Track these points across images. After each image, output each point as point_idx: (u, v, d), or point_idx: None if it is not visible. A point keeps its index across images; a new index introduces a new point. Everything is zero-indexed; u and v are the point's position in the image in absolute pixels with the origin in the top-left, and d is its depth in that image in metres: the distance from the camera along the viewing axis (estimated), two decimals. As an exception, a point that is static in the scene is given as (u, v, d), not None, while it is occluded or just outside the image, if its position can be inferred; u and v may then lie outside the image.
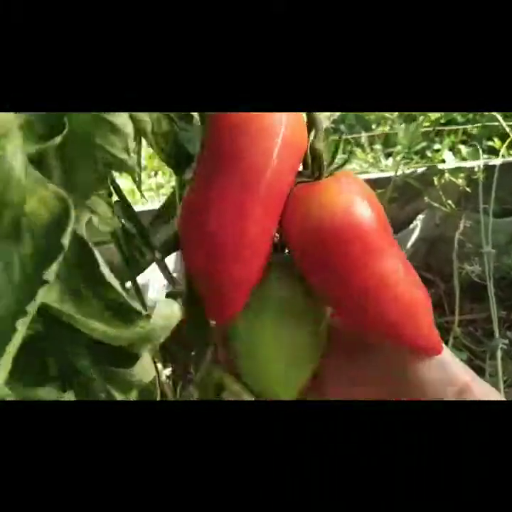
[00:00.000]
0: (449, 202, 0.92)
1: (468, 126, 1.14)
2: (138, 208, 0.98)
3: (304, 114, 0.31)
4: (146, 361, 0.22)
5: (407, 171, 0.89)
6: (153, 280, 0.76)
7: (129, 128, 0.23)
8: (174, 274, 0.37)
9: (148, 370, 0.22)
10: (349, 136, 1.08)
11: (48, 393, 0.19)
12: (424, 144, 1.07)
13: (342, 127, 1.13)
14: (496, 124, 0.97)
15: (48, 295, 0.16)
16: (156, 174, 1.18)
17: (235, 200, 0.28)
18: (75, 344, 0.20)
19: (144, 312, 0.20)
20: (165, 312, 0.20)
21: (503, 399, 0.30)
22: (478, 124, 1.12)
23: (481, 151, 0.92)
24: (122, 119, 0.22)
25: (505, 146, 0.94)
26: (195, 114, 0.36)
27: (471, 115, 1.15)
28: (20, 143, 0.18)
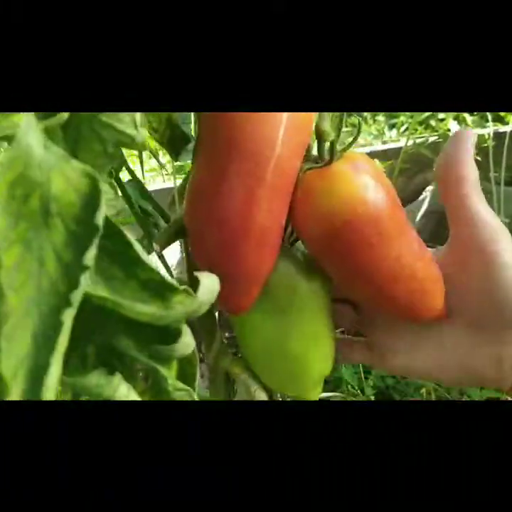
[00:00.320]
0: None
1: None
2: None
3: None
4: (187, 334, 0.21)
5: (419, 141, 0.87)
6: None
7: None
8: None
9: (189, 342, 0.21)
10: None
11: (97, 379, 0.17)
12: (428, 113, 1.05)
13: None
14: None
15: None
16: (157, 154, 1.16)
17: (242, 185, 0.26)
18: (113, 327, 0.19)
19: (180, 287, 0.18)
20: (208, 285, 0.18)
21: None
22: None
23: (490, 118, 0.90)
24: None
25: (513, 112, 0.92)
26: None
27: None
28: (33, 118, 0.16)
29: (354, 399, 0.78)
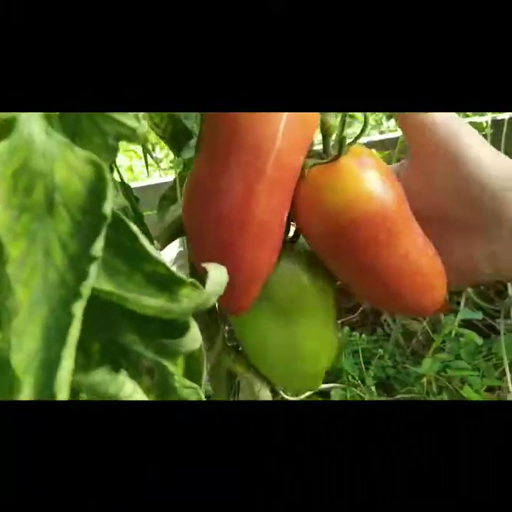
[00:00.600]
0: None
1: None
2: (139, 183, 0.97)
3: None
4: (194, 329, 0.20)
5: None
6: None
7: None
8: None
9: (196, 337, 0.21)
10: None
11: (101, 377, 0.17)
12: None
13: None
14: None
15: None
16: (154, 149, 1.15)
17: (241, 179, 0.26)
18: (118, 322, 0.18)
19: (187, 280, 0.18)
20: (216, 277, 0.18)
21: None
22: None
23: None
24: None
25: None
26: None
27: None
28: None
29: (355, 389, 0.78)
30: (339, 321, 0.37)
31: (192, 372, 0.25)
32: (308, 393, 0.56)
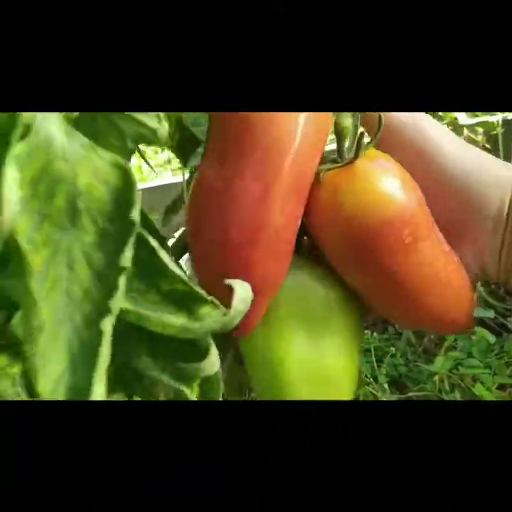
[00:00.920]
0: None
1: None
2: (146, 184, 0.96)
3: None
4: (214, 352, 0.19)
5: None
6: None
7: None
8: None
9: (215, 361, 0.20)
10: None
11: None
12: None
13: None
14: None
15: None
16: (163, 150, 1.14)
17: (257, 182, 0.24)
18: (133, 344, 0.17)
19: (208, 298, 0.17)
20: (242, 294, 0.17)
21: None
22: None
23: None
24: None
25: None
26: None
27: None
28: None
29: (367, 387, 0.78)
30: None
31: (207, 397, 0.23)
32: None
